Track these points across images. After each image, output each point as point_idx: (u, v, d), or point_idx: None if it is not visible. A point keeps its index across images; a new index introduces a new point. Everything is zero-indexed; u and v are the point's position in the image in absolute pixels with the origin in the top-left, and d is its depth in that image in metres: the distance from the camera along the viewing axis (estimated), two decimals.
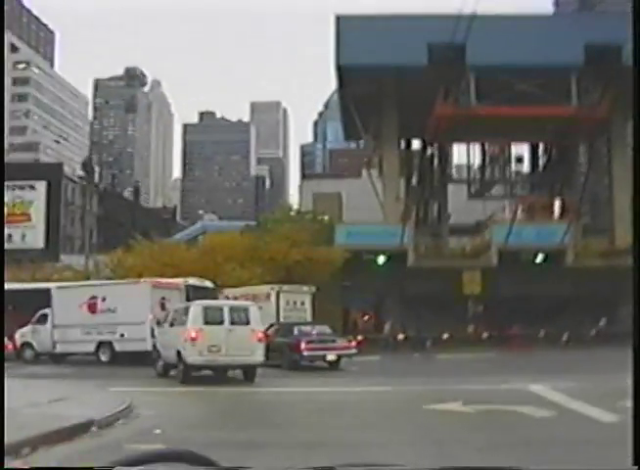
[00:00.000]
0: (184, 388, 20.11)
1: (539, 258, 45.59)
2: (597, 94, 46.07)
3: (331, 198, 62.88)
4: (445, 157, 58.07)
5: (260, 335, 21.62)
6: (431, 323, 44.38)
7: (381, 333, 44.83)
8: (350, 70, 47.46)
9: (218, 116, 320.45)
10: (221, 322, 21.07)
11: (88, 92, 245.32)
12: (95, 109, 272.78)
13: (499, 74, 44.07)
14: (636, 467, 1.75)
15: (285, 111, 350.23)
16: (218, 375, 21.82)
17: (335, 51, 47.96)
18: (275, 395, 19.05)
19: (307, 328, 29.01)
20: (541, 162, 57.93)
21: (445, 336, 42.41)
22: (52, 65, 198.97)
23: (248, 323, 21.32)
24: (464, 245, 56.17)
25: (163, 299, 29.48)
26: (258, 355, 21.07)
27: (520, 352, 37.86)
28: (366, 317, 51.01)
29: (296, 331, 28.06)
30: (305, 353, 26.38)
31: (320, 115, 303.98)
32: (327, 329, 29.12)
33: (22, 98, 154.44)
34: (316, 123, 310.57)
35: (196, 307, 21.49)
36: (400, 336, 42.58)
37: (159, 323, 24.87)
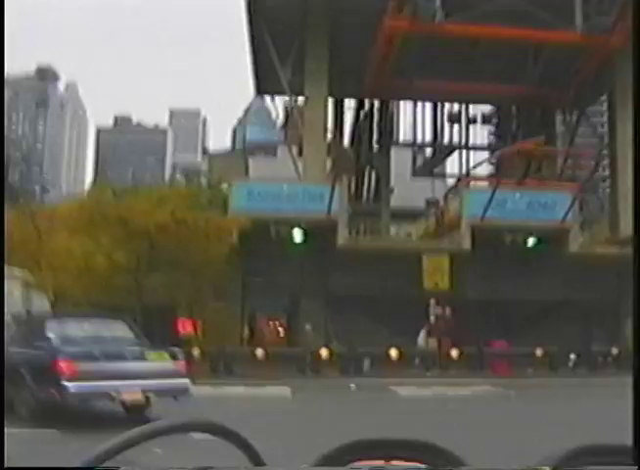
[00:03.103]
0: None
1: (531, 242, 30.82)
2: (609, 20, 31.76)
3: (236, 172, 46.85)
4: (388, 112, 42.79)
5: None
6: (370, 333, 29.29)
7: (294, 346, 29.52)
8: None
9: (135, 121, 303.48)
10: None
11: None
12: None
13: None
14: (636, 467, 1.35)
15: (204, 119, 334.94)
16: None
17: None
18: None
19: (79, 326, 13.21)
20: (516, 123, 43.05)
21: (393, 353, 27.06)
22: None
23: None
24: (407, 233, 41.42)
25: None
26: None
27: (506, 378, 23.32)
28: (273, 324, 35.42)
29: (51, 332, 12.32)
30: (72, 387, 10.65)
31: (239, 121, 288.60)
32: (124, 329, 13.65)
33: None
34: (235, 131, 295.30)
35: None
36: (324, 352, 27.10)
37: None
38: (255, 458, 1.39)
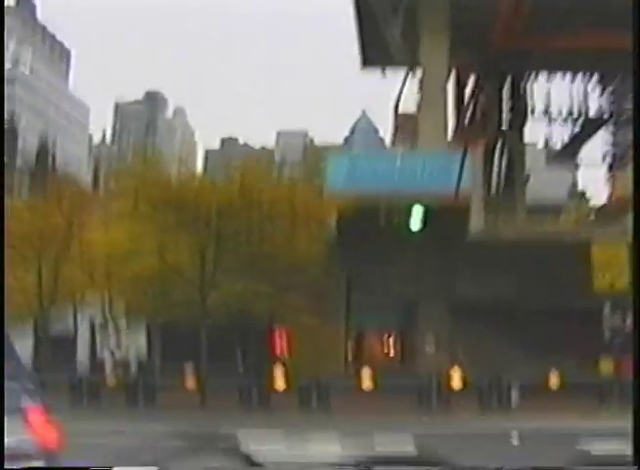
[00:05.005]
0: None
1: None
2: None
3: None
4: (520, 84, 34.97)
5: None
6: (513, 352, 21.52)
7: (410, 369, 22.11)
8: None
9: (241, 142, 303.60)
10: None
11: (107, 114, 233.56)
12: (113, 130, 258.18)
13: None
14: (636, 467, 1.78)
15: (311, 139, 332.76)
16: None
17: None
18: None
19: None
20: None
21: (554, 381, 19.16)
22: (66, 83, 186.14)
23: None
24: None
25: None
26: None
27: None
28: (387, 346, 27.88)
29: None
30: None
31: (345, 140, 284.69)
32: None
33: None
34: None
35: None
36: (455, 378, 19.48)
37: None
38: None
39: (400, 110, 38.00)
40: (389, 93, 40.16)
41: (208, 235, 19.04)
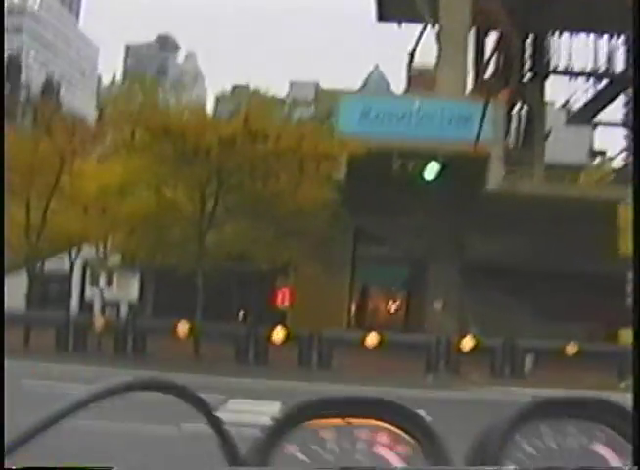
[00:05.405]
0: None
1: None
2: None
3: None
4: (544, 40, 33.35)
5: None
6: (526, 318, 20.22)
7: (415, 331, 20.97)
8: None
9: (251, 89, 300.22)
10: None
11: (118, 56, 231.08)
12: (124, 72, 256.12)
13: None
14: (636, 467, 1.36)
15: (322, 90, 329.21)
16: None
17: None
18: None
19: None
20: None
21: (571, 349, 17.96)
22: (77, 21, 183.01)
23: None
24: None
25: None
26: None
27: None
28: (393, 303, 26.62)
29: None
30: None
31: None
32: None
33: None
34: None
35: None
36: (467, 341, 18.25)
37: None
38: (205, 411, 1.30)
39: (416, 64, 36.54)
40: (405, 47, 38.56)
41: (210, 170, 17.57)
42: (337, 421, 1.40)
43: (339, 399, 1.43)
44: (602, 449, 1.44)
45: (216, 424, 1.28)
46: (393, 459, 1.41)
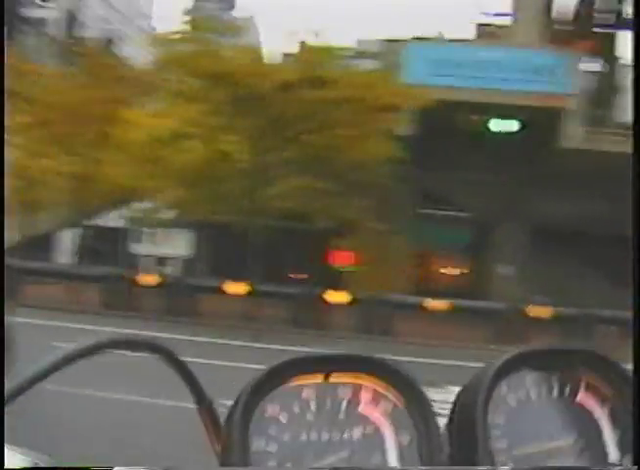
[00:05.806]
0: None
1: None
2: None
3: None
4: None
5: None
6: (597, 286, 18.91)
7: (480, 297, 19.75)
8: None
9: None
10: None
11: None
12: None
13: None
14: (636, 467, 1.37)
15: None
16: None
17: None
18: None
19: None
20: None
21: None
22: None
23: None
24: None
25: None
26: None
27: None
28: (457, 267, 25.44)
29: None
30: None
31: None
32: None
33: None
34: None
35: None
36: (536, 309, 17.02)
37: None
38: (185, 373, 1.30)
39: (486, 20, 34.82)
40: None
41: (266, 118, 16.43)
42: (318, 379, 1.36)
43: (322, 357, 1.41)
44: (585, 400, 1.42)
45: (192, 383, 1.27)
46: (377, 418, 1.38)
